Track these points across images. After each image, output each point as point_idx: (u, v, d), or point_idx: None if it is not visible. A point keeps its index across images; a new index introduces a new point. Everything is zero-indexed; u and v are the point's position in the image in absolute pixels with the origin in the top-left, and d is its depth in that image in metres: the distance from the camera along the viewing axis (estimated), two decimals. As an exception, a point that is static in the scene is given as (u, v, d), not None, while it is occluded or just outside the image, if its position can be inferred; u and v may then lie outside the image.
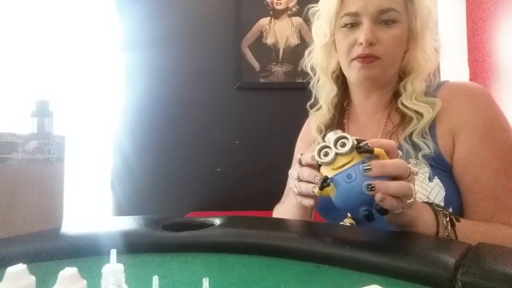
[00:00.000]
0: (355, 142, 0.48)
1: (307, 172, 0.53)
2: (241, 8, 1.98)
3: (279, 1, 1.99)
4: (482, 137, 0.66)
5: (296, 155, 0.95)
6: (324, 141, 0.51)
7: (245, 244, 0.52)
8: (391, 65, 0.73)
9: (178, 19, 2.00)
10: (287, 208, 0.79)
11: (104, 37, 1.89)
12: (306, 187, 0.54)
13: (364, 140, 0.50)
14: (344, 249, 0.46)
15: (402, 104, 0.74)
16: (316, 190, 0.51)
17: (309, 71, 0.87)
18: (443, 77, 1.86)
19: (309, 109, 0.90)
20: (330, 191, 0.50)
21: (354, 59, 0.71)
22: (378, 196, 0.47)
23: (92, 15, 1.84)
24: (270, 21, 1.99)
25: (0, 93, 1.34)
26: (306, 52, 0.87)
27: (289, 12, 1.99)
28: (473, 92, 0.70)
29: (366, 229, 0.68)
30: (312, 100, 0.89)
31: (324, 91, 0.85)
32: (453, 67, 1.87)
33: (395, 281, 0.41)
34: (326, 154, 0.50)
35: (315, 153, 0.50)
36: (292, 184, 0.58)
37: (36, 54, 1.51)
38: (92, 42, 1.81)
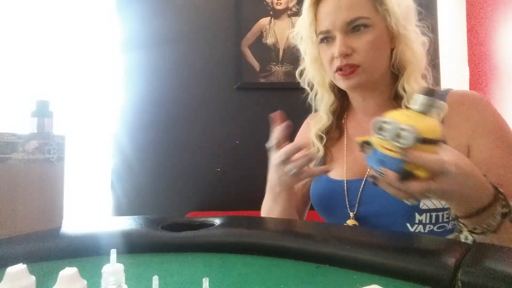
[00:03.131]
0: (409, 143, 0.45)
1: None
2: (241, 8, 1.98)
3: (279, 1, 1.99)
4: (499, 141, 0.67)
5: None
6: (387, 120, 0.49)
7: (245, 244, 0.52)
8: (373, 68, 0.73)
9: (178, 19, 2.00)
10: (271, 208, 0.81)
11: (104, 37, 1.89)
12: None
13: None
14: (344, 249, 0.46)
15: (407, 107, 0.73)
16: (359, 140, 0.53)
17: (306, 87, 0.89)
18: (443, 77, 1.87)
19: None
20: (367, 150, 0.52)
21: (336, 71, 0.74)
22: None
23: (92, 15, 1.84)
24: (270, 21, 1.99)
25: (0, 93, 1.34)
26: (297, 73, 0.89)
27: (289, 12, 1.99)
28: (478, 100, 0.72)
29: (366, 229, 0.68)
30: (313, 113, 0.92)
31: (323, 103, 0.87)
32: (453, 67, 1.88)
33: (395, 281, 0.41)
34: (381, 128, 0.49)
35: (376, 124, 0.50)
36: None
37: (36, 54, 1.51)
38: (92, 42, 1.81)
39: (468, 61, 1.89)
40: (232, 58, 1.98)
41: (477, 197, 0.54)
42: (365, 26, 0.71)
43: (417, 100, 0.48)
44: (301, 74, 0.89)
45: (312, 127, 0.88)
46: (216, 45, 2.00)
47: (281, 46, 1.99)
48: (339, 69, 0.73)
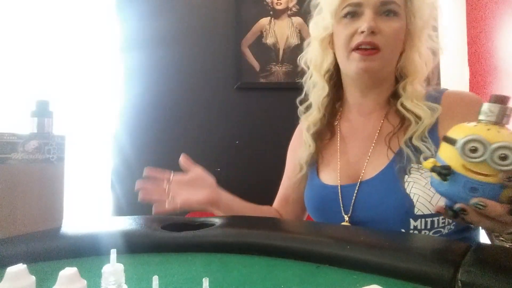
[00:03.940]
0: None
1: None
2: (241, 8, 1.98)
3: (279, 1, 1.99)
4: None
5: (288, 165, 0.94)
6: (477, 135, 0.41)
7: (245, 244, 0.52)
8: (390, 58, 0.73)
9: (178, 19, 2.00)
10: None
11: (104, 37, 1.89)
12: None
13: None
14: (344, 249, 0.46)
15: (402, 105, 0.73)
16: (429, 164, 0.44)
17: (303, 66, 0.86)
18: (443, 77, 1.87)
19: (298, 104, 0.88)
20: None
21: (354, 49, 0.71)
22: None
23: (92, 15, 1.84)
24: (270, 21, 1.99)
25: (0, 93, 1.34)
26: (305, 44, 0.85)
27: (289, 12, 1.99)
28: (476, 101, 0.71)
29: (366, 229, 0.68)
30: (303, 95, 0.87)
31: (315, 89, 0.84)
32: (453, 67, 1.87)
33: (395, 281, 0.41)
34: (473, 150, 0.40)
35: (463, 144, 0.41)
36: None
37: (36, 54, 1.51)
38: (92, 42, 1.81)
39: (468, 61, 1.89)
40: (232, 58, 1.98)
41: None
42: (395, 14, 0.70)
43: (492, 111, 0.42)
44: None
45: (304, 121, 0.85)
46: (216, 45, 2.00)
47: (281, 46, 1.98)
48: (358, 47, 0.69)
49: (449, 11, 1.94)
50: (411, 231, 0.67)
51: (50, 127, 0.60)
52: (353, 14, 0.71)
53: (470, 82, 1.88)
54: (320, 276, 0.43)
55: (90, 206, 1.73)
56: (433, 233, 0.67)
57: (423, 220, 0.66)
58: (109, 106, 1.92)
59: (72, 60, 1.69)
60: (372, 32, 0.68)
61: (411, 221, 0.66)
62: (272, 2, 1.99)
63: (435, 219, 0.66)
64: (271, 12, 1.99)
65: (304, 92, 0.86)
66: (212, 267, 0.47)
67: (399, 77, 0.77)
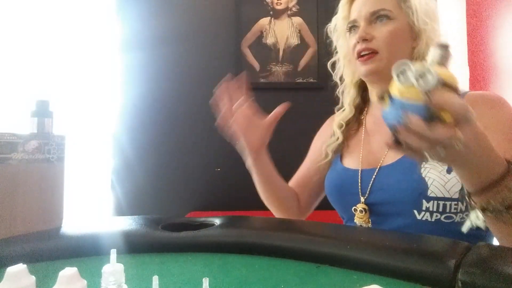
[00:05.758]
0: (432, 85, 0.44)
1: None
2: (241, 8, 1.98)
3: (279, 1, 1.99)
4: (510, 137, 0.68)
5: (313, 149, 1.00)
6: (411, 65, 0.47)
7: (245, 244, 0.52)
8: (391, 57, 0.77)
9: (178, 19, 2.00)
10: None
11: (104, 37, 1.89)
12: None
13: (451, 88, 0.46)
14: (344, 249, 0.46)
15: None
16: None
17: (337, 80, 0.96)
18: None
19: (335, 110, 0.99)
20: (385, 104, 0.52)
21: (357, 58, 0.80)
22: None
23: (92, 15, 1.84)
24: (270, 21, 1.99)
25: (0, 93, 1.34)
26: (329, 64, 0.96)
27: (289, 12, 1.99)
28: (494, 99, 0.73)
29: (366, 229, 0.68)
30: (340, 105, 0.99)
31: (349, 95, 0.95)
32: (453, 67, 1.87)
33: (395, 281, 0.41)
34: (402, 73, 0.47)
35: (397, 69, 0.48)
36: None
37: (36, 54, 1.51)
38: (92, 42, 1.81)
39: (468, 61, 1.89)
40: (232, 58, 1.98)
41: (490, 165, 0.51)
42: (388, 18, 0.78)
43: (433, 53, 0.49)
44: (332, 66, 0.96)
45: (336, 118, 0.95)
46: (216, 45, 2.00)
47: (281, 46, 1.98)
48: (359, 55, 0.79)
49: (449, 11, 1.94)
50: (423, 212, 0.69)
51: (50, 127, 0.60)
52: (354, 28, 0.82)
53: (470, 82, 1.88)
54: (320, 276, 0.43)
55: (90, 206, 1.73)
56: (445, 218, 0.69)
57: (435, 202, 0.68)
58: (109, 106, 1.92)
59: (72, 60, 1.69)
60: (366, 39, 0.77)
61: (424, 202, 0.69)
62: (272, 2, 1.99)
63: (448, 203, 0.68)
64: (271, 12, 1.99)
65: (340, 102, 0.98)
66: (212, 267, 0.47)
67: None
